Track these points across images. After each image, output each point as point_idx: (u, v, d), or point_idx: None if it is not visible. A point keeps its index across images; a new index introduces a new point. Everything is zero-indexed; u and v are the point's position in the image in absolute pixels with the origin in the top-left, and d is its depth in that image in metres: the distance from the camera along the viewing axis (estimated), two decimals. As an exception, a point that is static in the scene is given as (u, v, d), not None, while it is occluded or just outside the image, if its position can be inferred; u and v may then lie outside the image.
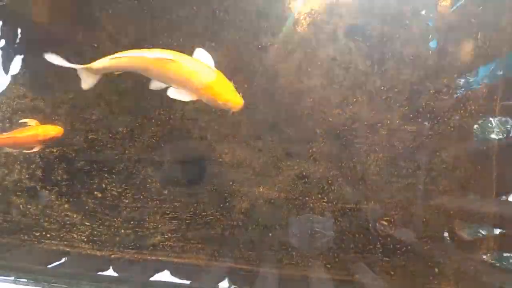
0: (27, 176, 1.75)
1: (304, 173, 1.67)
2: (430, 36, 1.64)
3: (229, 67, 1.71)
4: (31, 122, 1.55)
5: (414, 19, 1.65)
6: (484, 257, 1.60)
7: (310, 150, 1.67)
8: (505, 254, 1.57)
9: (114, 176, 1.71)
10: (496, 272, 1.55)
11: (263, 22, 1.71)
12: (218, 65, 1.70)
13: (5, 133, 1.52)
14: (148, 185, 1.72)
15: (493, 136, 1.62)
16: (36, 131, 1.51)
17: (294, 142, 1.68)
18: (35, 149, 1.52)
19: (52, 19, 1.70)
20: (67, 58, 1.33)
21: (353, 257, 1.64)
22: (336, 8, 1.70)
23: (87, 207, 1.72)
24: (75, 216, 1.73)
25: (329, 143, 1.67)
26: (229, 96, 1.28)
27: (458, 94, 1.64)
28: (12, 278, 1.32)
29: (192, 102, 1.71)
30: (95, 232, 1.71)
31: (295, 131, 1.68)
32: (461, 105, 1.65)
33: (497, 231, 1.60)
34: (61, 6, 1.74)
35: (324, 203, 1.66)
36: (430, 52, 1.65)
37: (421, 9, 1.66)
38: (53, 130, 1.51)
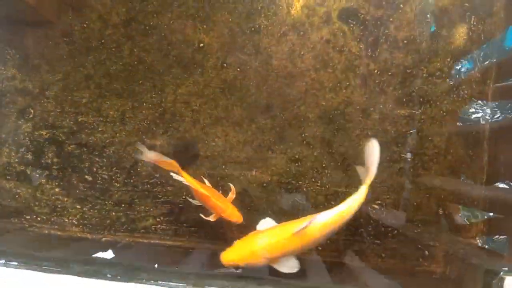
0: (16, 160, 1.72)
1: (297, 157, 1.67)
2: (425, 19, 1.63)
3: (221, 49, 1.69)
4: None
5: (408, 3, 1.64)
6: (474, 239, 1.62)
7: (303, 134, 1.67)
8: (493, 237, 1.59)
9: (104, 159, 1.70)
10: (485, 254, 1.57)
11: (256, 4, 1.68)
12: (210, 47, 1.69)
13: (205, 185, 1.54)
14: (139, 169, 1.70)
15: (484, 119, 1.63)
16: (226, 209, 1.49)
17: (286, 126, 1.68)
18: (211, 218, 1.51)
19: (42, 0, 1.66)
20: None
21: (344, 240, 1.65)
22: (330, -10, 1.68)
23: (77, 191, 1.70)
24: (66, 199, 1.71)
25: (322, 127, 1.67)
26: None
27: (451, 78, 1.64)
28: (3, 261, 1.30)
29: (185, 85, 1.70)
30: (86, 216, 1.70)
31: (288, 115, 1.67)
32: (454, 89, 1.65)
33: (487, 215, 1.62)
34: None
35: (318, 187, 1.66)
36: (424, 36, 1.64)
37: (415, -8, 1.65)
38: (236, 218, 1.49)
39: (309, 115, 1.67)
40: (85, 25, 1.70)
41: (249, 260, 1.32)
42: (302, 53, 1.67)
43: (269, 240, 1.32)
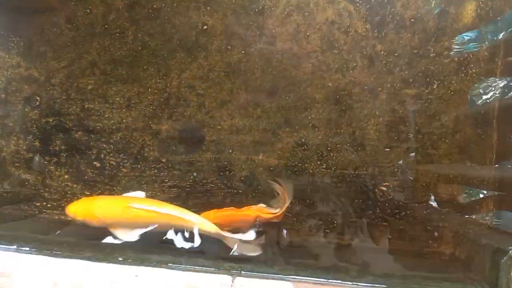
0: (24, 147, 1.74)
1: (303, 140, 1.66)
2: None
3: (225, 32, 1.67)
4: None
5: (415, -20, 1.61)
6: (483, 219, 1.62)
7: (309, 117, 1.66)
8: (502, 216, 1.58)
9: (112, 146, 1.70)
10: (494, 234, 1.56)
11: (260, -15, 1.66)
12: (213, 30, 1.67)
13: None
14: (146, 154, 1.71)
15: (493, 97, 1.60)
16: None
17: (293, 108, 1.66)
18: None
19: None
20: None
21: (352, 222, 1.65)
22: (335, -31, 1.64)
23: (86, 177, 1.71)
24: (75, 186, 1.73)
25: (329, 108, 1.66)
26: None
27: (459, 57, 1.61)
28: (15, 247, 1.32)
29: (189, 69, 1.69)
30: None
31: (294, 97, 1.66)
32: (462, 68, 1.62)
33: (495, 193, 1.60)
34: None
35: (324, 170, 1.66)
36: (431, 14, 1.60)
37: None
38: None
39: (316, 96, 1.65)
40: (88, 11, 1.69)
41: (85, 217, 1.40)
42: (308, 34, 1.65)
43: (106, 204, 1.40)
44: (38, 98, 1.73)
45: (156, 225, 1.36)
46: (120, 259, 1.23)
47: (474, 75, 1.61)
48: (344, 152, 1.65)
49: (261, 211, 1.49)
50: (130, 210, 1.36)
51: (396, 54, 1.62)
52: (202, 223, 1.36)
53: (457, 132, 1.63)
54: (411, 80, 1.62)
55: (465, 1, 1.60)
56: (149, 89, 1.70)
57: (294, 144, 1.66)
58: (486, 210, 1.64)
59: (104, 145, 1.71)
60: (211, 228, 1.35)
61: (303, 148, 1.66)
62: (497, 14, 1.60)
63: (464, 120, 1.62)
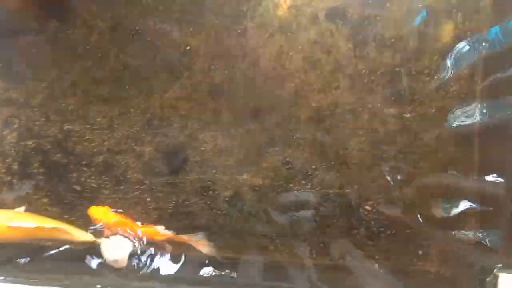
0: (3, 170, 1.69)
1: (288, 159, 1.65)
2: (412, 18, 1.63)
3: (208, 52, 1.67)
4: None
5: (395, 1, 1.63)
6: (468, 236, 1.62)
7: (294, 136, 1.66)
8: (487, 233, 1.59)
9: (93, 168, 1.67)
10: (480, 251, 1.56)
11: (242, 6, 1.67)
12: (197, 51, 1.67)
13: None
14: (128, 176, 1.68)
15: (473, 117, 1.63)
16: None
17: (277, 128, 1.66)
18: None
19: (25, 5, 1.63)
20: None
21: (338, 242, 1.64)
22: (317, -10, 1.66)
23: (66, 201, 1.67)
24: (54, 210, 1.68)
25: (313, 128, 1.66)
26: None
27: (439, 76, 1.63)
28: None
29: (172, 89, 1.68)
30: (76, 225, 1.67)
31: (277, 117, 1.66)
32: (442, 86, 1.64)
33: (479, 209, 1.61)
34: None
35: (308, 189, 1.65)
36: (411, 34, 1.63)
37: (401, -10, 1.65)
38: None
39: (301, 115, 1.65)
40: (69, 32, 1.67)
41: None
42: (290, 54, 1.66)
43: None
44: (17, 121, 1.69)
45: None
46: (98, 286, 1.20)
47: (454, 93, 1.64)
48: (328, 171, 1.64)
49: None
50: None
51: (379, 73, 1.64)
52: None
53: (439, 150, 1.64)
54: (392, 98, 1.64)
55: (443, 21, 1.64)
56: (131, 110, 1.68)
57: (279, 163, 1.66)
58: (471, 226, 1.65)
59: (85, 168, 1.67)
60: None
61: (287, 167, 1.65)
62: (475, 33, 1.63)
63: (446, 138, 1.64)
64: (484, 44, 1.63)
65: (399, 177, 1.63)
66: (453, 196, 1.64)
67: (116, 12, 1.67)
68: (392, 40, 1.63)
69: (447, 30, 1.64)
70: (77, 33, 1.68)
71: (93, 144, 1.67)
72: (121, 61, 1.67)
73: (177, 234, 1.62)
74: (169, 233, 1.59)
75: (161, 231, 1.59)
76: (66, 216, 1.67)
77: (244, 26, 1.66)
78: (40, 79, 1.68)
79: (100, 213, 1.59)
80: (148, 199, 1.67)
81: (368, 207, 1.63)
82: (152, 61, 1.67)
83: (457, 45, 1.64)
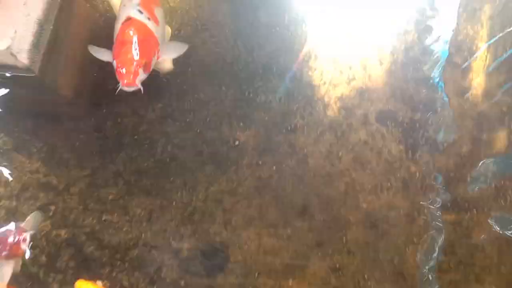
0: (29, 261, 1.57)
1: (337, 265, 1.52)
2: (464, 123, 1.62)
3: (257, 148, 1.65)
4: None
5: (445, 105, 1.65)
6: None
7: (344, 239, 1.55)
8: None
9: (127, 263, 1.54)
10: None
11: (292, 104, 1.69)
12: (245, 145, 1.65)
13: None
14: (163, 275, 1.54)
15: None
16: None
17: (325, 229, 1.56)
18: None
19: (77, 92, 1.65)
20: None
21: None
22: (367, 93, 1.69)
23: (93, 299, 1.52)
24: (78, 308, 1.52)
25: (364, 232, 1.56)
26: None
27: (497, 183, 1.58)
28: None
29: (218, 183, 1.62)
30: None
31: (326, 218, 1.57)
32: (501, 194, 1.57)
33: None
34: (87, 79, 1.70)
35: (360, 300, 1.50)
36: (464, 139, 1.61)
37: (450, 96, 1.67)
38: None
39: (350, 217, 1.57)
40: (119, 120, 1.68)
41: None
42: (340, 153, 1.63)
43: None
44: (53, 208, 1.61)
45: None
46: None
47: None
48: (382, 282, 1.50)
49: None
50: None
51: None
52: None
53: (502, 263, 1.51)
54: (449, 204, 1.56)
55: (496, 127, 1.63)
56: (173, 202, 1.60)
57: (327, 269, 1.53)
58: None
59: (119, 262, 1.55)
60: None
61: (337, 275, 1.52)
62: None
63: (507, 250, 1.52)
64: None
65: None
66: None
67: (167, 103, 1.69)
68: (445, 144, 1.61)
69: (500, 137, 1.62)
70: (125, 122, 1.68)
71: (129, 236, 1.57)
72: (168, 152, 1.64)
73: None
74: None
75: None
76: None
77: (294, 123, 1.67)
78: (83, 166, 1.64)
79: None
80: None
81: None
82: (200, 154, 1.64)
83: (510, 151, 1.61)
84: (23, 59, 1.39)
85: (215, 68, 1.74)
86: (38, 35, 1.41)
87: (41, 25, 1.42)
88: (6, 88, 1.74)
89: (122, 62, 1.41)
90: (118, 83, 1.41)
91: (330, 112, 1.67)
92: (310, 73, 1.72)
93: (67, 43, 1.55)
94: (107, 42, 1.53)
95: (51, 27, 1.45)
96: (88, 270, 1.54)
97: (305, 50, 1.75)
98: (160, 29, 1.55)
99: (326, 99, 1.68)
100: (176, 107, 1.69)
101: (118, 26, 1.50)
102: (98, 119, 1.69)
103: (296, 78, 1.72)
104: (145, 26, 1.48)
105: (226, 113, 1.68)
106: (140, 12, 1.50)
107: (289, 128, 1.66)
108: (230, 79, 1.73)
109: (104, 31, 1.65)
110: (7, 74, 1.55)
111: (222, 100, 1.70)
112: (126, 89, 1.41)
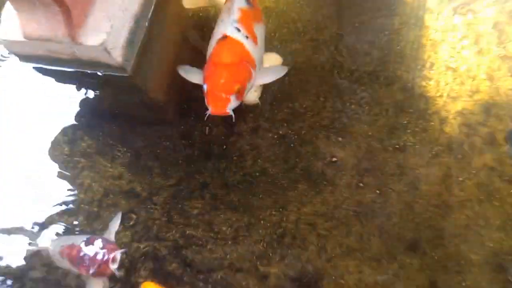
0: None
1: (455, 314, 1.27)
2: None
3: (358, 166, 1.45)
4: None
5: None
6: None
7: (463, 283, 1.29)
8: None
9: (210, 285, 1.41)
10: None
11: (402, 118, 1.47)
12: (344, 163, 1.46)
13: None
14: (248, 302, 1.38)
15: None
16: None
17: (440, 269, 1.32)
18: None
19: (166, 97, 1.56)
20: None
21: None
22: (494, 109, 1.43)
23: (170, 322, 1.40)
24: (153, 331, 1.40)
25: (489, 276, 1.29)
26: None
27: None
28: None
29: (312, 204, 1.44)
30: None
31: (442, 255, 1.32)
32: None
33: None
34: (177, 83, 1.61)
35: None
36: None
37: None
38: None
39: (472, 257, 1.31)
40: (207, 129, 1.56)
41: None
42: (460, 179, 1.38)
43: None
44: (134, 217, 1.52)
45: None
46: None
47: None
48: None
49: None
50: None
51: None
52: None
53: None
54: None
55: None
56: (262, 222, 1.45)
57: (442, 318, 1.28)
58: None
59: (201, 284, 1.41)
60: None
61: (455, 326, 1.27)
62: None
63: None
64: None
65: None
66: None
67: (259, 113, 1.55)
68: None
69: None
70: (214, 131, 1.56)
71: (214, 255, 1.43)
72: (258, 166, 1.50)
73: None
74: None
75: None
76: None
77: (403, 141, 1.45)
78: (168, 175, 1.54)
79: None
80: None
81: None
82: (292, 170, 1.48)
83: None
84: (118, 56, 1.31)
85: (313, 76, 1.57)
86: (134, 31, 1.32)
87: (137, 21, 1.33)
88: (94, 88, 1.71)
89: (213, 87, 1.29)
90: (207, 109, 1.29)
91: (448, 129, 1.43)
92: (423, 83, 1.50)
93: (161, 42, 1.46)
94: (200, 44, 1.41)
95: (147, 24, 1.36)
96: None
97: (418, 56, 1.53)
98: (258, 50, 1.41)
99: (443, 113, 1.45)
100: (269, 118, 1.54)
101: (212, 43, 1.39)
102: (186, 127, 1.59)
103: (406, 89, 1.50)
104: (242, 46, 1.35)
105: (323, 126, 1.51)
106: (238, 30, 1.37)
107: (397, 146, 1.44)
108: (329, 88, 1.55)
109: (197, 31, 1.55)
110: (99, 73, 1.50)
111: (319, 112, 1.53)
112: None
